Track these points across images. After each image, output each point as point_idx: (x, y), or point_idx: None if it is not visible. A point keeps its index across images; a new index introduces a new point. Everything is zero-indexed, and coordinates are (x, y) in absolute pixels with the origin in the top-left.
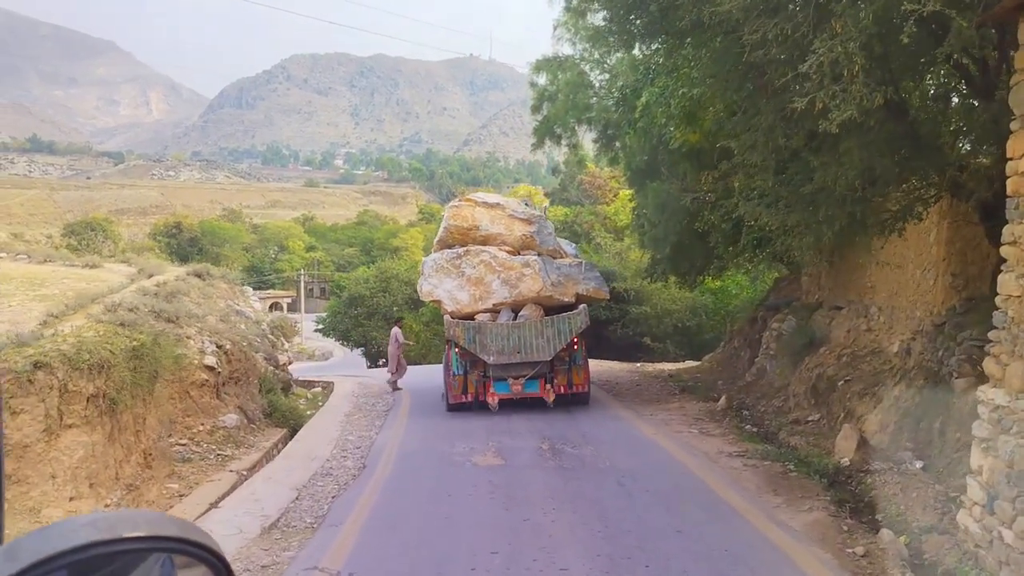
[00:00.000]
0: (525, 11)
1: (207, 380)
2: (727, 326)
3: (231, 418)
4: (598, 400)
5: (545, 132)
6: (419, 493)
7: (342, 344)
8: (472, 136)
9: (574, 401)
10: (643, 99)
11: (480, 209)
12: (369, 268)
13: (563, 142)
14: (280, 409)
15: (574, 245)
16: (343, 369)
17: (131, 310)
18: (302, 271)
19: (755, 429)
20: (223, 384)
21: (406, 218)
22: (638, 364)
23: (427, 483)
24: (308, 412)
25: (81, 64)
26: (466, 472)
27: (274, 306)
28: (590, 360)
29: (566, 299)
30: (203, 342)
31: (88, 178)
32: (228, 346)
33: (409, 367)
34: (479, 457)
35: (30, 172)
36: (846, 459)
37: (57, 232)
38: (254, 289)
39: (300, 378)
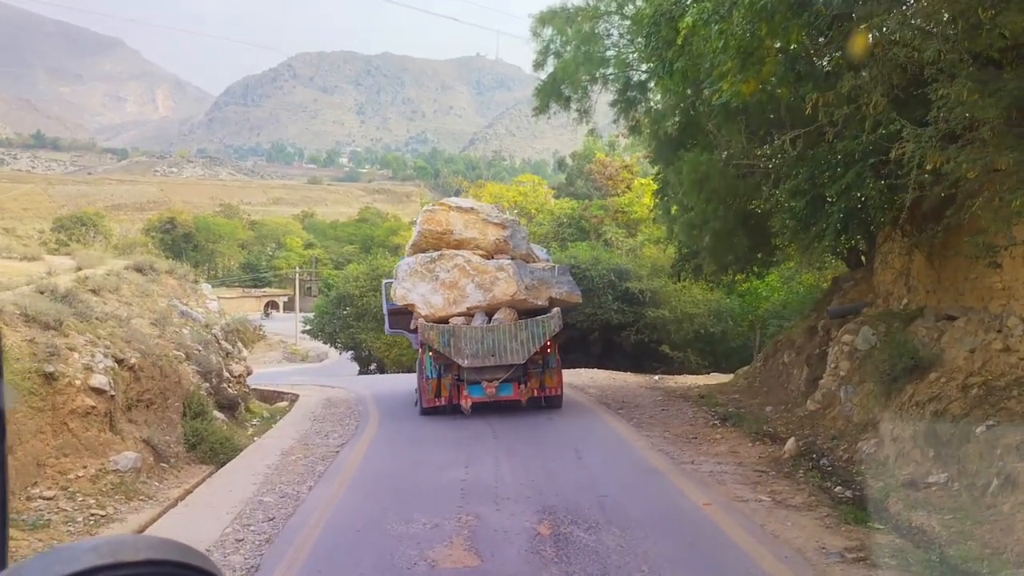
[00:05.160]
0: (533, 10)
1: (94, 407)
2: (757, 333)
3: (127, 458)
4: (618, 436)
5: (550, 93)
6: None
7: (334, 347)
8: (478, 135)
9: (547, 405)
10: (687, 21)
11: (454, 213)
12: (359, 265)
13: (572, 106)
14: (208, 440)
15: (546, 250)
16: (333, 374)
17: None
18: (298, 269)
19: (850, 494)
20: (128, 408)
21: (409, 216)
22: (656, 376)
23: None
24: (255, 437)
25: (88, 61)
26: None
27: (270, 304)
28: (601, 370)
29: (540, 303)
30: (93, 355)
31: (89, 174)
32: (135, 360)
33: (390, 375)
34: (441, 549)
35: (33, 168)
36: None
37: (49, 227)
38: (250, 286)
39: (272, 387)
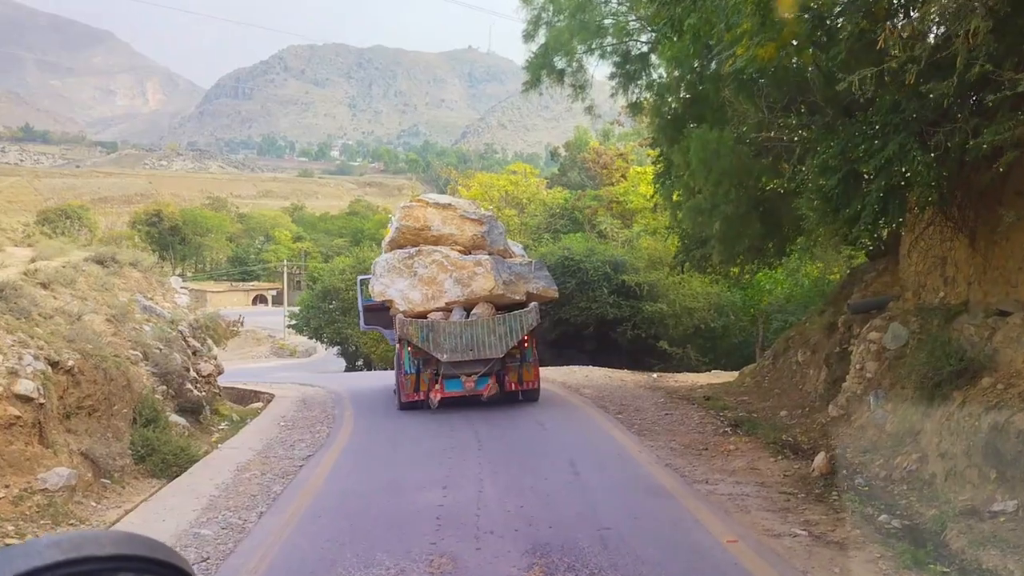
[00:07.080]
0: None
1: (19, 416)
2: (759, 329)
3: (58, 474)
4: (619, 447)
5: (541, 66)
6: None
7: (320, 342)
8: (470, 128)
9: (524, 398)
10: None
11: (431, 210)
12: (346, 258)
13: (566, 80)
14: (161, 450)
15: (522, 246)
16: (320, 369)
17: None
18: (285, 262)
19: (898, 524)
20: (66, 416)
21: None
22: (655, 374)
23: None
24: (218, 445)
25: (79, 54)
26: None
27: (258, 299)
28: (596, 367)
29: (517, 297)
30: (21, 357)
31: (78, 167)
32: (74, 362)
33: (378, 372)
34: None
35: (21, 161)
36: None
37: (33, 219)
38: (238, 280)
39: (249, 387)
